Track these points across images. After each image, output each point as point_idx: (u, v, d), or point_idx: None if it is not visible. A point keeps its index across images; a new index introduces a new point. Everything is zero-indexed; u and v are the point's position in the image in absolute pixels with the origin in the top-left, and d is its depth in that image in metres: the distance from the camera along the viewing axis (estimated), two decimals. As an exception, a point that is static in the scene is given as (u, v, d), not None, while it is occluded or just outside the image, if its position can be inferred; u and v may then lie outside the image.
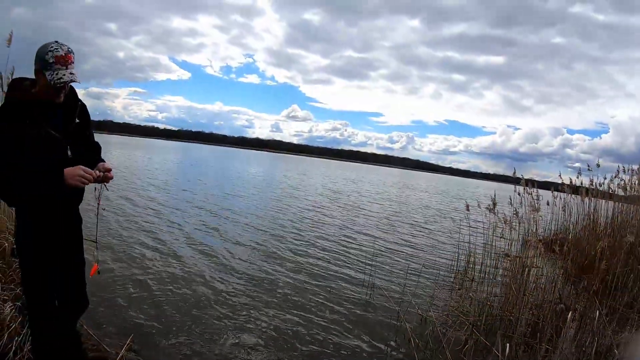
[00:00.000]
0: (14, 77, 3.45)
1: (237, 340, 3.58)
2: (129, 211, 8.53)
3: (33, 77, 2.04)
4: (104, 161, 2.30)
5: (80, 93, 2.26)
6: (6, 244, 3.45)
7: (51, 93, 2.02)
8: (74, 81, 2.01)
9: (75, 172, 2.01)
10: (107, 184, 2.31)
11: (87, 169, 2.05)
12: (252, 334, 3.73)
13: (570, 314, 3.38)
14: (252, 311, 4.21)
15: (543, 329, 3.67)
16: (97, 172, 2.14)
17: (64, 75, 1.96)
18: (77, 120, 2.19)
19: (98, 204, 2.41)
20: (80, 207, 2.37)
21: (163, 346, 3.34)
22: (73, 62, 2.01)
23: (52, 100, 2.05)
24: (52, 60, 1.94)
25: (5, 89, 3.53)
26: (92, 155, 2.32)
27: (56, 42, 1.99)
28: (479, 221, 6.44)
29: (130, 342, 3.23)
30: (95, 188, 2.33)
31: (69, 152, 2.10)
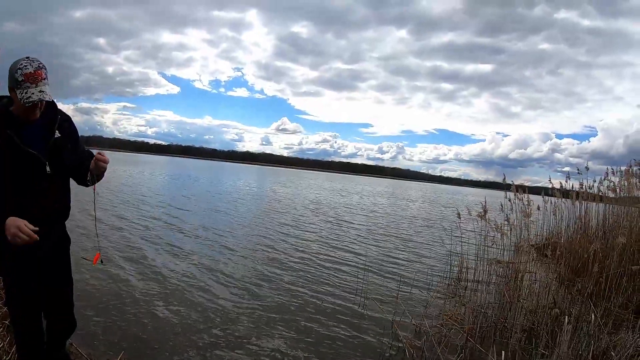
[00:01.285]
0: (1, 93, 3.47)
1: (229, 356, 3.48)
2: (122, 226, 8.38)
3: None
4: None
5: (70, 108, 2.19)
6: None
7: (26, 114, 1.98)
8: (43, 100, 1.94)
9: (14, 225, 1.86)
10: (97, 176, 2.22)
11: (27, 227, 1.86)
12: (244, 349, 3.63)
13: (565, 318, 3.33)
14: (244, 327, 4.10)
15: (539, 334, 3.63)
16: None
17: (33, 94, 1.90)
18: (58, 135, 2.10)
19: (94, 190, 2.36)
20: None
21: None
22: (45, 78, 1.94)
23: (28, 117, 2.00)
24: (22, 78, 1.89)
25: None
26: (80, 164, 2.22)
27: (27, 58, 1.94)
28: (470, 229, 6.43)
29: (121, 358, 3.15)
30: (88, 176, 2.20)
31: (48, 168, 2.04)
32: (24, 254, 2.04)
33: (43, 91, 1.92)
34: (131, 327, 3.83)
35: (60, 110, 2.19)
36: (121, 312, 4.15)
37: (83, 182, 2.24)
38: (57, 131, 2.11)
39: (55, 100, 2.14)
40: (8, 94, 2.01)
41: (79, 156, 2.23)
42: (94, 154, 2.23)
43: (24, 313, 2.14)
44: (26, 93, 1.89)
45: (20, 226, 1.84)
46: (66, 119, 2.21)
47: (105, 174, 2.28)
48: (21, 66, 1.90)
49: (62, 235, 2.32)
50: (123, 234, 7.89)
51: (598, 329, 3.36)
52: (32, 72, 1.90)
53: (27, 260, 2.08)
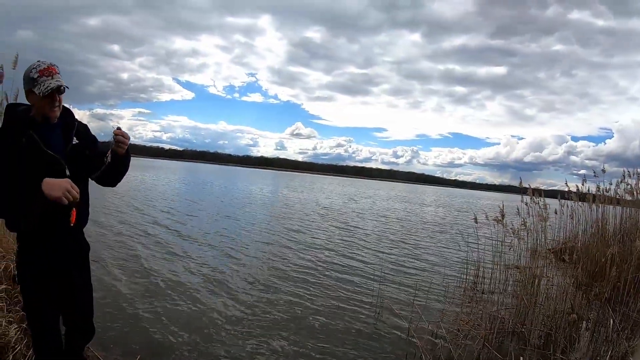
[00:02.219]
0: (18, 99, 3.58)
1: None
2: (133, 232, 8.50)
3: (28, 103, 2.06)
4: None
5: (85, 114, 2.26)
6: (12, 266, 3.43)
7: (45, 109, 2.03)
8: (61, 86, 2.00)
9: (60, 183, 1.90)
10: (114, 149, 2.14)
11: (73, 185, 1.92)
12: (262, 355, 3.69)
13: (583, 323, 3.33)
14: (261, 331, 4.17)
15: (556, 339, 3.62)
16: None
17: (50, 83, 1.97)
18: (76, 141, 2.16)
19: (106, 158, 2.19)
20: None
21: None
22: (58, 73, 2.02)
23: (48, 118, 2.05)
24: (37, 75, 1.97)
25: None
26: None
27: (38, 60, 2.02)
28: (486, 234, 6.40)
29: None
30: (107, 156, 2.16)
31: (67, 172, 2.06)
32: (42, 260, 2.08)
33: (59, 80, 2.00)
34: (146, 331, 3.91)
35: (85, 125, 2.27)
36: (137, 316, 4.24)
37: (100, 172, 2.23)
38: (74, 138, 2.16)
39: (70, 108, 2.20)
40: (26, 103, 2.07)
41: (97, 158, 2.22)
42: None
43: (41, 320, 2.14)
44: (44, 84, 1.96)
45: (67, 187, 1.89)
46: (84, 126, 2.27)
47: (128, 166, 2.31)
48: (35, 65, 1.99)
49: (80, 241, 2.31)
50: (137, 239, 7.99)
51: (616, 334, 3.35)
52: (46, 67, 1.99)
53: (45, 267, 2.10)
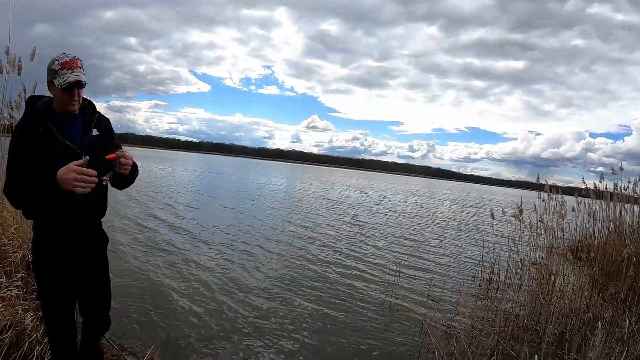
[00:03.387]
0: (36, 91, 3.69)
1: (261, 355, 3.62)
2: (151, 223, 8.65)
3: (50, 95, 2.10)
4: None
5: (102, 106, 2.26)
6: (29, 254, 3.48)
7: (64, 102, 2.05)
8: (80, 81, 2.00)
9: (64, 175, 1.87)
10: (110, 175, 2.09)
11: (78, 168, 1.87)
12: (276, 347, 3.77)
13: (599, 322, 3.33)
14: (276, 325, 4.26)
15: (571, 338, 3.63)
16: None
17: (69, 77, 1.98)
18: (96, 132, 2.17)
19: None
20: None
21: (185, 357, 3.41)
22: (80, 67, 2.03)
23: (68, 110, 2.08)
24: (58, 67, 2.00)
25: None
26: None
27: (63, 53, 2.05)
28: (502, 230, 6.38)
29: (151, 353, 3.29)
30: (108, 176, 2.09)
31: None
32: (54, 250, 2.11)
33: (79, 75, 2.01)
34: (163, 322, 4.00)
35: (99, 112, 2.28)
36: (154, 306, 4.34)
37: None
38: (94, 129, 2.17)
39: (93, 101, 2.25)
40: (48, 95, 2.12)
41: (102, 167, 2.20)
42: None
43: (50, 309, 2.18)
44: (63, 77, 1.98)
45: (73, 176, 1.87)
46: (105, 119, 2.29)
47: (134, 177, 2.31)
48: (58, 57, 2.02)
49: (98, 232, 2.31)
50: (153, 232, 8.12)
51: (632, 335, 3.35)
52: (68, 60, 2.01)
53: (57, 257, 2.12)
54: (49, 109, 2.08)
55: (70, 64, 2.00)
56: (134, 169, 2.26)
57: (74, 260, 2.17)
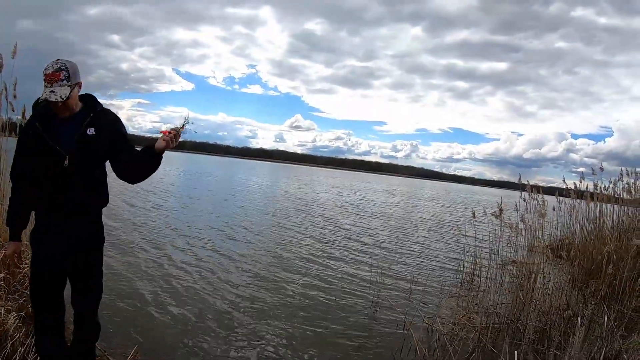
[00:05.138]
0: (16, 88, 3.72)
1: (243, 352, 3.57)
2: (136, 222, 8.53)
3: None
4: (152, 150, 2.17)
5: None
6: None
7: (53, 108, 2.08)
8: (50, 100, 1.99)
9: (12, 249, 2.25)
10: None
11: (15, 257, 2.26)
12: (258, 348, 3.71)
13: (578, 319, 3.35)
14: (257, 322, 4.20)
15: (551, 335, 3.64)
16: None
17: (45, 93, 2.00)
18: (92, 132, 2.13)
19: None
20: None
21: (168, 357, 3.35)
22: (61, 80, 2.01)
23: (59, 113, 2.11)
24: (43, 78, 2.01)
25: (10, 99, 3.69)
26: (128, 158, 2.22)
27: (57, 60, 2.04)
28: (484, 229, 6.41)
29: (134, 352, 3.23)
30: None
31: (66, 162, 2.05)
32: (43, 245, 2.17)
33: (53, 91, 1.99)
34: (145, 322, 3.92)
35: (104, 110, 2.25)
36: (135, 306, 4.26)
37: (121, 172, 2.26)
38: (92, 128, 2.13)
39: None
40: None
41: (114, 151, 2.23)
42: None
43: (35, 304, 2.23)
44: (43, 92, 2.01)
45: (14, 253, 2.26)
46: (109, 117, 2.26)
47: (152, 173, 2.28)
48: (47, 66, 2.02)
49: (88, 232, 2.26)
50: (143, 229, 8.00)
51: (611, 331, 3.37)
52: (51, 73, 2.00)
53: (46, 252, 2.16)
54: (46, 110, 2.11)
55: (51, 78, 2.00)
56: (159, 159, 2.22)
57: (59, 255, 2.17)
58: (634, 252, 4.58)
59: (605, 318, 3.46)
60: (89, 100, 2.22)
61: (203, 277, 5.45)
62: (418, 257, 8.24)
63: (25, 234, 2.50)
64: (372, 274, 6.03)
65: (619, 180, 6.63)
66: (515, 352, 3.01)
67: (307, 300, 4.98)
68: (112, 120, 2.26)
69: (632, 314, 4.09)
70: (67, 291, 2.29)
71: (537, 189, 6.28)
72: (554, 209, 6.85)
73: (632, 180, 6.59)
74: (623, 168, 6.69)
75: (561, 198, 7.12)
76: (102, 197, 2.32)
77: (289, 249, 7.73)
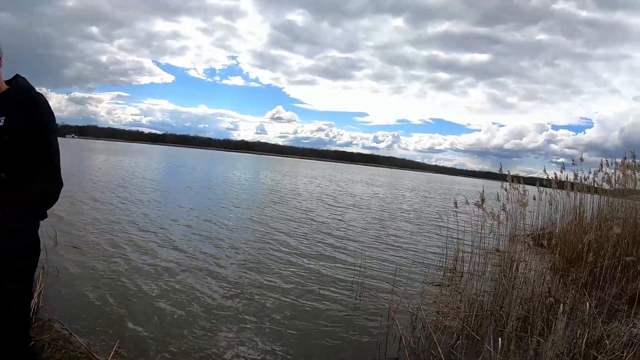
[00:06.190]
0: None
1: (226, 345, 3.52)
2: (114, 216, 8.40)
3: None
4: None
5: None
6: None
7: None
8: None
9: None
10: None
11: None
12: (241, 339, 3.66)
13: (560, 306, 3.38)
14: (241, 315, 4.15)
15: (534, 322, 3.68)
16: None
17: None
18: (1, 122, 1.77)
19: None
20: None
21: (150, 350, 3.29)
22: None
23: None
24: None
25: None
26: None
27: None
28: (466, 219, 6.45)
29: (117, 347, 3.18)
30: None
31: None
32: None
33: None
34: (127, 316, 3.86)
35: (27, 99, 1.87)
36: (117, 301, 4.19)
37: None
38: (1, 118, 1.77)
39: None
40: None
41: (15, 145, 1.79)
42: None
43: None
44: None
45: None
46: (20, 107, 1.82)
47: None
48: None
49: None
50: (122, 224, 7.88)
51: (592, 317, 3.41)
52: None
53: None
54: None
55: None
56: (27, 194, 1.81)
57: None
58: (614, 240, 4.64)
59: (587, 305, 3.51)
60: (9, 88, 1.87)
61: (186, 273, 5.38)
62: (402, 247, 8.26)
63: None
64: (355, 265, 6.01)
65: (599, 170, 6.73)
66: (499, 339, 3.02)
67: (288, 295, 4.91)
68: (26, 110, 1.83)
69: (613, 300, 4.16)
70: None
71: (518, 179, 6.33)
72: (534, 199, 6.93)
73: (612, 171, 6.69)
74: (603, 159, 6.79)
75: (542, 188, 7.21)
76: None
77: (267, 244, 7.66)
